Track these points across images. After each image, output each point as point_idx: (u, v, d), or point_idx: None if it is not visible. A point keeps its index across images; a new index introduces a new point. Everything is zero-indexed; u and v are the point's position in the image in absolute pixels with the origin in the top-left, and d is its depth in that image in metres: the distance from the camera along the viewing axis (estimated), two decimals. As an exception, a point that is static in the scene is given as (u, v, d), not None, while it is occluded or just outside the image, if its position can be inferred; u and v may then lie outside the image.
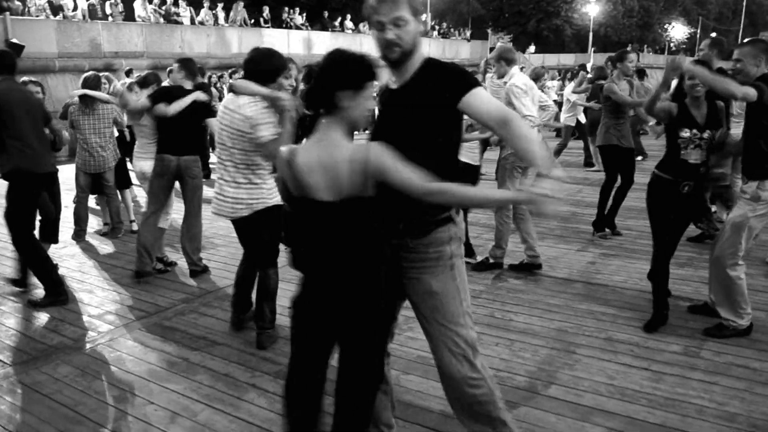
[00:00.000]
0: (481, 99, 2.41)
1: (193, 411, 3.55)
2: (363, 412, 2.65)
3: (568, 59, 42.21)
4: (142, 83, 6.55)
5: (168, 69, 6.77)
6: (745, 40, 4.48)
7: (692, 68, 4.12)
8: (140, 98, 5.78)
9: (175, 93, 5.57)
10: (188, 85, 5.67)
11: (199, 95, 5.59)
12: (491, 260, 5.91)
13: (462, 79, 2.47)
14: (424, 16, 2.54)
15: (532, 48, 43.61)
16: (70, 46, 16.28)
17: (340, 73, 2.35)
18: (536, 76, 7.39)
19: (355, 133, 2.58)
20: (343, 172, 2.27)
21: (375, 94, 2.50)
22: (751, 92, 3.98)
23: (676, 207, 4.43)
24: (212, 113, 5.61)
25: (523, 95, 5.44)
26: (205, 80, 12.11)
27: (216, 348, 4.35)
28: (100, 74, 7.44)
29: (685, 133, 4.34)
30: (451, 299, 2.61)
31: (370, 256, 2.41)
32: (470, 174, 5.69)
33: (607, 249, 6.57)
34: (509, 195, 2.32)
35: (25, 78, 6.18)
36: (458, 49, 35.29)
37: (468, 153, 5.64)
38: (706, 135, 4.33)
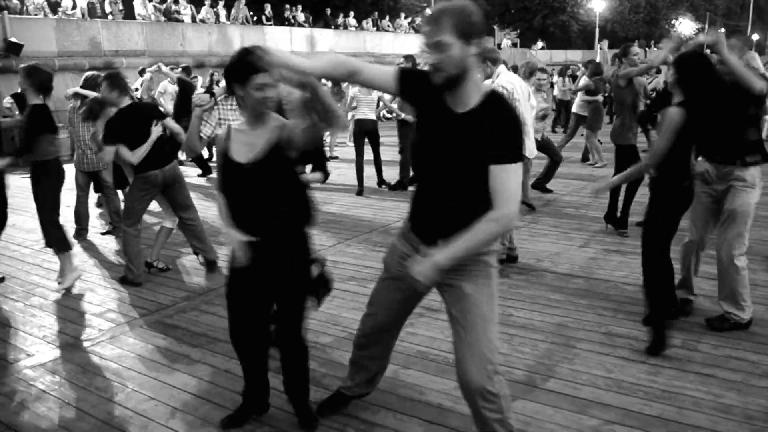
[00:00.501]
0: (508, 176, 2.38)
1: (194, 406, 3.58)
2: None
3: (575, 55, 42.10)
4: (90, 116, 6.30)
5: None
6: (724, 32, 4.62)
7: (725, 51, 4.09)
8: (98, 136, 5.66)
9: (130, 118, 5.37)
10: (125, 101, 5.42)
11: (158, 131, 5.49)
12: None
13: (509, 145, 2.39)
14: (480, 40, 2.39)
15: (539, 44, 43.42)
16: (69, 45, 16.31)
17: (230, 69, 2.93)
18: (530, 72, 7.37)
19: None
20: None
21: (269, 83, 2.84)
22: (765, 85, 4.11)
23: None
24: (164, 116, 5.65)
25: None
26: (196, 77, 12.20)
27: (217, 345, 4.37)
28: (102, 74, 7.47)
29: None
30: (485, 303, 2.63)
31: None
32: None
33: (609, 245, 6.57)
34: None
35: (22, 65, 6.14)
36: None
37: None
38: None
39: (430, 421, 3.37)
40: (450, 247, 2.44)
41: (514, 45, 39.60)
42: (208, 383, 3.84)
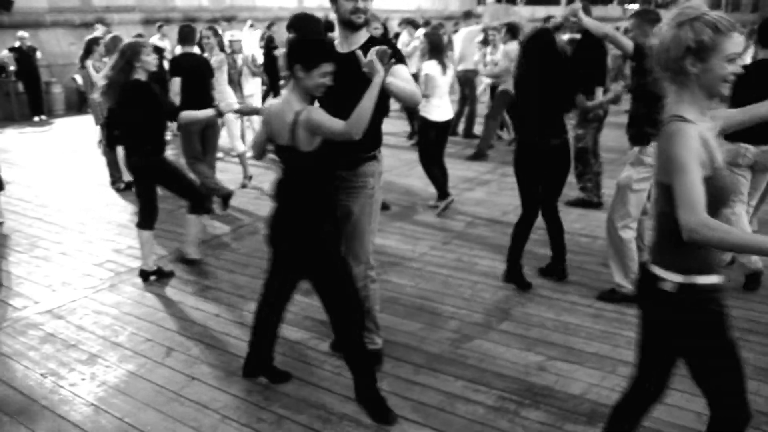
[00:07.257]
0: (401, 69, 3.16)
1: (187, 346, 4.03)
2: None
3: (559, 12, 40.99)
4: None
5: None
6: (634, 11, 4.73)
7: (584, 18, 4.31)
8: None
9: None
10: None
11: None
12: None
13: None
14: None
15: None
16: (60, 1, 16.31)
17: (298, 51, 3.01)
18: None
19: None
20: (288, 124, 2.98)
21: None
22: (630, 45, 4.22)
23: None
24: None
25: None
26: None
27: (208, 292, 4.82)
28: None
29: None
30: (364, 218, 3.41)
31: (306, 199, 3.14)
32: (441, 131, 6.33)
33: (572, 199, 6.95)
34: None
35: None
36: (447, 1, 33.40)
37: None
38: None
39: (397, 358, 3.81)
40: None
41: (498, 0, 38.84)
42: (201, 326, 4.28)
